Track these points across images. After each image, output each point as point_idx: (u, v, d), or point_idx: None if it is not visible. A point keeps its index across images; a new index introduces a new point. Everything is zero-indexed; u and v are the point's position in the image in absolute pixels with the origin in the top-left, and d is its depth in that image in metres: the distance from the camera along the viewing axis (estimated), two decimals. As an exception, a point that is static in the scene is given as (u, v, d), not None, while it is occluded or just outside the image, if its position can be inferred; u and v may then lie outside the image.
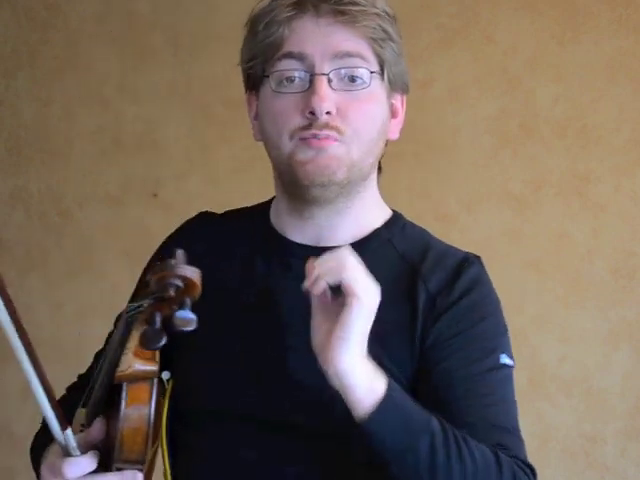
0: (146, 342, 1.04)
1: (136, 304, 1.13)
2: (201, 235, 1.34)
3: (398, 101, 1.31)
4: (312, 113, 1.18)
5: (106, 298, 2.76)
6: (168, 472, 1.23)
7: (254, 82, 1.27)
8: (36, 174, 2.98)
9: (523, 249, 2.66)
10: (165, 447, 1.21)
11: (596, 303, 2.61)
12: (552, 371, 2.61)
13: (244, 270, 1.28)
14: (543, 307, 2.65)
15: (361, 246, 1.21)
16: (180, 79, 2.84)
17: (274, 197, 1.34)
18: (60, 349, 2.74)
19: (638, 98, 2.60)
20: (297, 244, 1.26)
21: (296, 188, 1.23)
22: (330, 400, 1.12)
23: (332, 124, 1.19)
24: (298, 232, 1.27)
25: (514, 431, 1.20)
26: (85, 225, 2.85)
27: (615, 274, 2.61)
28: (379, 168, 1.33)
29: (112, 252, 2.80)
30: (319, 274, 1.08)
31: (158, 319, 1.04)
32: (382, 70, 1.25)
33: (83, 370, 1.43)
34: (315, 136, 1.19)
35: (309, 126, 1.19)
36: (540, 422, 2.62)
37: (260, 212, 1.34)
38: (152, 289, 1.06)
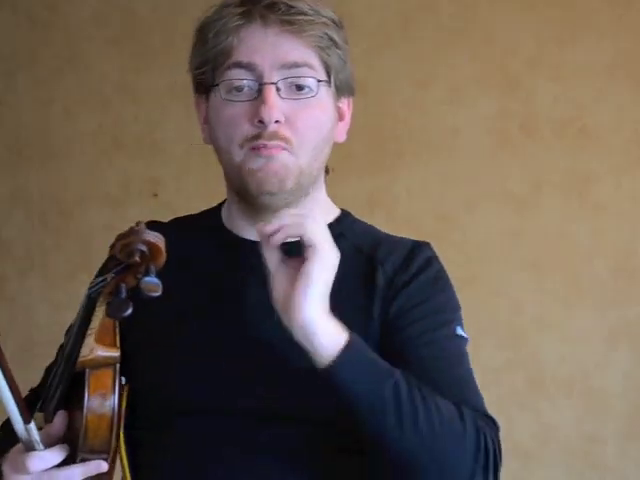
0: (112, 311, 1.05)
1: (99, 279, 1.14)
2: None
3: (345, 104, 1.33)
4: (261, 122, 1.21)
5: (106, 298, 2.75)
6: (128, 476, 1.23)
7: (204, 88, 1.29)
8: (36, 174, 2.99)
9: (523, 249, 2.66)
10: (124, 453, 1.21)
11: (596, 303, 2.61)
12: (552, 371, 2.61)
13: (201, 270, 1.30)
14: (543, 307, 2.65)
15: None
16: (180, 79, 2.84)
17: (223, 202, 1.36)
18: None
19: (638, 98, 2.60)
20: (252, 241, 1.27)
21: (246, 195, 1.25)
22: (301, 387, 1.16)
23: (281, 134, 1.21)
24: (252, 231, 1.28)
25: (474, 388, 1.25)
26: (85, 225, 2.85)
27: (615, 274, 2.61)
28: (326, 170, 1.36)
29: (112, 252, 2.80)
30: (281, 226, 1.12)
31: (124, 289, 1.06)
32: (329, 77, 1.27)
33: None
34: (264, 145, 1.21)
35: (258, 136, 1.21)
36: (540, 422, 2.63)
37: (211, 215, 1.37)
38: (117, 259, 1.07)
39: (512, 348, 2.60)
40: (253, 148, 1.22)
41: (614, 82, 2.60)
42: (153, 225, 1.37)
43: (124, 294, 1.06)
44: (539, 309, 2.65)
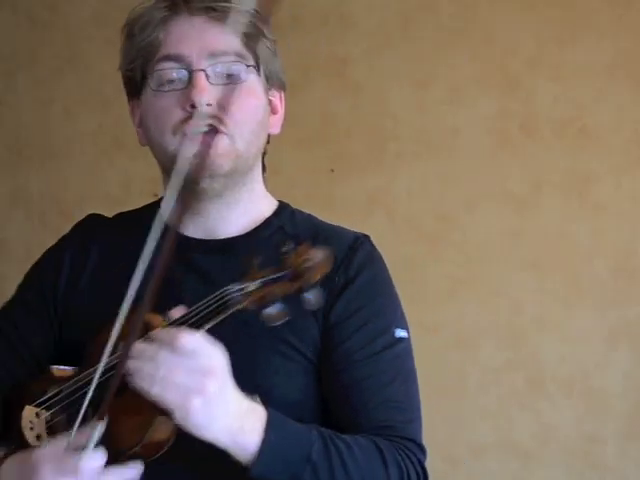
0: (270, 320, 1.07)
1: (240, 286, 1.10)
2: (93, 235, 1.37)
3: (277, 98, 1.34)
4: (193, 106, 1.21)
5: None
6: None
7: (135, 86, 1.30)
8: (36, 174, 2.99)
9: (523, 249, 2.66)
10: None
11: (596, 303, 2.61)
12: (552, 371, 2.61)
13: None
14: (543, 307, 2.65)
15: (254, 235, 1.29)
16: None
17: (162, 197, 1.36)
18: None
19: (638, 98, 2.60)
20: (192, 239, 1.29)
21: (184, 183, 1.24)
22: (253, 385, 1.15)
23: (213, 114, 1.22)
24: (192, 227, 1.30)
25: (409, 407, 1.25)
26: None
27: (615, 274, 2.61)
28: (263, 166, 1.36)
29: (112, 252, 2.80)
30: (135, 369, 1.09)
31: (276, 298, 1.07)
32: (258, 66, 1.28)
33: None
34: (198, 128, 1.22)
35: (190, 117, 1.22)
36: (540, 422, 2.63)
37: (151, 211, 1.33)
38: (286, 267, 1.08)
39: (512, 348, 2.60)
40: (186, 134, 1.22)
41: (614, 82, 2.60)
42: (97, 218, 1.39)
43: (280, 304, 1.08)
44: (539, 309, 2.65)
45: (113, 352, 1.13)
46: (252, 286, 1.09)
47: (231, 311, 1.10)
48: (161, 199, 1.37)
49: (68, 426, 1.15)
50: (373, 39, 2.75)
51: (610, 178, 2.61)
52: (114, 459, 1.11)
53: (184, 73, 1.23)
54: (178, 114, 1.23)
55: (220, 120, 1.22)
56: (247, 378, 1.14)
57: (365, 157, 2.74)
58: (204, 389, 1.06)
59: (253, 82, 1.27)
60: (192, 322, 1.11)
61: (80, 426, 1.13)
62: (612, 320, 2.61)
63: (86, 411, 1.14)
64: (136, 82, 1.29)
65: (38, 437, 1.18)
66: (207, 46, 1.24)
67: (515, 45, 2.66)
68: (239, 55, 1.25)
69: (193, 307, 1.12)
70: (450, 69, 2.70)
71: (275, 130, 1.34)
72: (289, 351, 1.22)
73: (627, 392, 2.57)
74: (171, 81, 1.24)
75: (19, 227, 3.02)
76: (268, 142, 1.34)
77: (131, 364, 1.08)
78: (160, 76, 1.25)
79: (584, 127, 2.62)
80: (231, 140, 1.23)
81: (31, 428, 1.18)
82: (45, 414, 1.19)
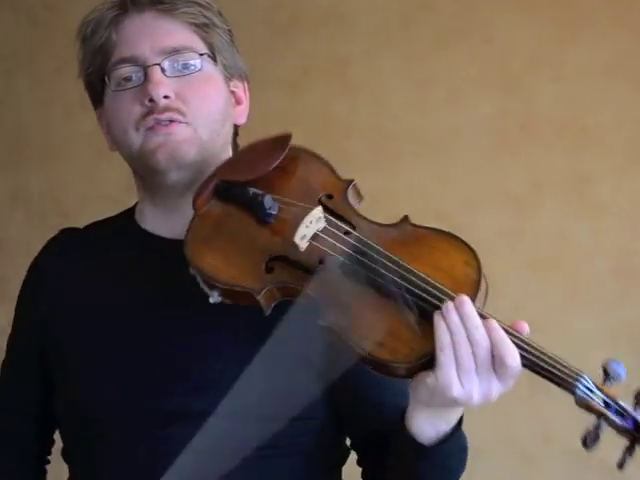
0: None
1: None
2: (70, 248, 1.38)
3: (240, 89, 1.33)
4: (151, 100, 1.22)
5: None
6: None
7: (96, 91, 1.31)
8: (36, 174, 2.99)
9: (523, 249, 2.66)
10: None
11: (596, 303, 2.61)
12: (552, 371, 2.61)
13: (120, 274, 1.30)
14: (543, 307, 2.65)
15: None
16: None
17: (136, 204, 1.38)
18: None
19: (638, 98, 2.60)
20: (168, 239, 1.28)
21: (154, 177, 1.26)
22: (214, 383, 1.17)
23: (173, 106, 1.22)
24: (167, 228, 1.29)
25: None
26: (84, 225, 2.84)
27: (615, 274, 2.61)
28: (237, 148, 1.35)
29: (112, 252, 2.81)
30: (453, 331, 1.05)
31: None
32: (213, 55, 1.28)
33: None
34: (159, 121, 1.22)
35: (150, 112, 1.22)
36: (540, 422, 2.62)
37: (125, 218, 1.38)
38: None
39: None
40: (149, 128, 1.22)
41: (614, 82, 2.60)
42: (69, 232, 1.40)
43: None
44: (539, 309, 2.65)
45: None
46: None
47: None
48: (136, 204, 1.38)
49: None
50: (373, 39, 2.75)
51: (610, 178, 2.61)
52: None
53: (140, 70, 1.24)
54: (137, 110, 1.23)
55: (179, 111, 1.22)
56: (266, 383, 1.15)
57: (365, 157, 2.74)
58: (490, 400, 1.06)
59: (210, 71, 1.27)
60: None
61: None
62: (612, 320, 2.61)
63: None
64: (96, 86, 1.30)
65: (302, 237, 1.12)
66: (159, 42, 1.24)
67: (515, 45, 2.66)
68: (191, 47, 1.25)
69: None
70: (450, 69, 2.70)
71: (241, 120, 1.33)
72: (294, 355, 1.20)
73: (627, 392, 2.57)
74: (128, 79, 1.24)
75: (19, 227, 3.02)
76: (237, 134, 1.34)
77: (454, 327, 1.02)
78: (118, 77, 1.25)
79: (584, 127, 2.62)
80: (193, 129, 1.23)
81: (306, 226, 1.13)
82: (323, 226, 1.14)
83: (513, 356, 1.03)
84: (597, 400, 1.06)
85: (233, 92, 1.31)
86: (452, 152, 2.70)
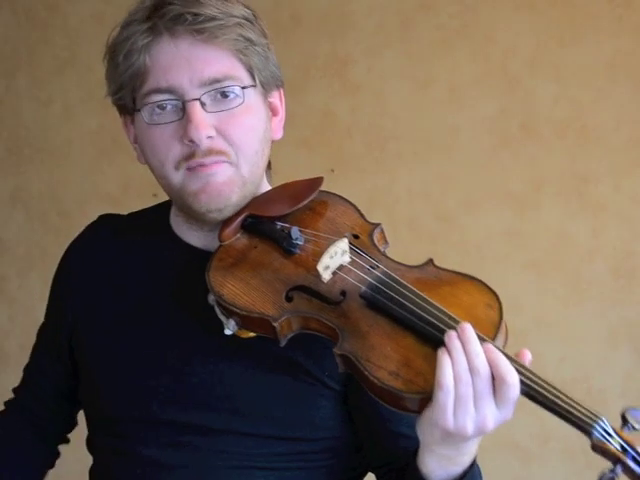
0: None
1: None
2: (102, 241, 1.37)
3: (276, 98, 1.29)
4: (192, 141, 1.17)
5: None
6: None
7: (126, 109, 1.26)
8: (36, 174, 2.99)
9: (523, 249, 2.66)
10: None
11: (596, 303, 2.61)
12: (552, 371, 2.61)
13: (148, 275, 1.30)
14: (543, 307, 2.65)
15: None
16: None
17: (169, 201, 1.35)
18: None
19: (638, 98, 2.59)
20: (199, 250, 1.28)
21: (192, 214, 1.23)
22: (254, 402, 1.18)
23: (216, 148, 1.18)
24: (201, 241, 1.28)
25: None
26: (85, 225, 2.85)
27: (615, 274, 2.61)
28: (269, 165, 1.33)
29: (112, 252, 2.81)
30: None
31: None
32: (253, 78, 1.22)
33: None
34: (202, 164, 1.18)
35: (192, 155, 1.17)
36: (540, 422, 2.62)
37: (161, 218, 1.35)
38: None
39: (512, 348, 2.59)
40: (190, 169, 1.18)
41: (614, 82, 2.60)
42: (107, 220, 1.40)
43: None
44: (539, 309, 2.65)
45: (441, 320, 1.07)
46: None
47: None
48: (167, 210, 1.36)
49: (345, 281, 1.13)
50: (373, 39, 2.75)
51: (610, 178, 2.61)
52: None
53: (177, 102, 1.18)
54: (178, 149, 1.18)
55: (223, 151, 1.18)
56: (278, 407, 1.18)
57: (365, 157, 2.74)
58: (486, 431, 1.04)
59: (250, 99, 1.21)
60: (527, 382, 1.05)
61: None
62: (612, 320, 2.61)
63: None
64: (127, 107, 1.25)
65: (326, 268, 1.13)
66: (197, 73, 1.17)
67: (515, 45, 2.66)
68: (232, 76, 1.19)
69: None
70: (450, 69, 2.70)
71: (277, 135, 1.30)
72: (308, 379, 1.21)
73: (627, 392, 2.57)
74: (163, 108, 1.19)
75: (19, 227, 3.02)
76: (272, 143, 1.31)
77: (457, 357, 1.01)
78: (152, 108, 1.19)
79: (584, 127, 2.62)
80: (236, 168, 1.20)
81: (331, 257, 1.14)
82: (349, 259, 1.15)
83: (512, 374, 1.02)
84: (614, 444, 1.02)
85: (270, 104, 1.27)
86: (452, 152, 2.70)
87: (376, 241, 1.21)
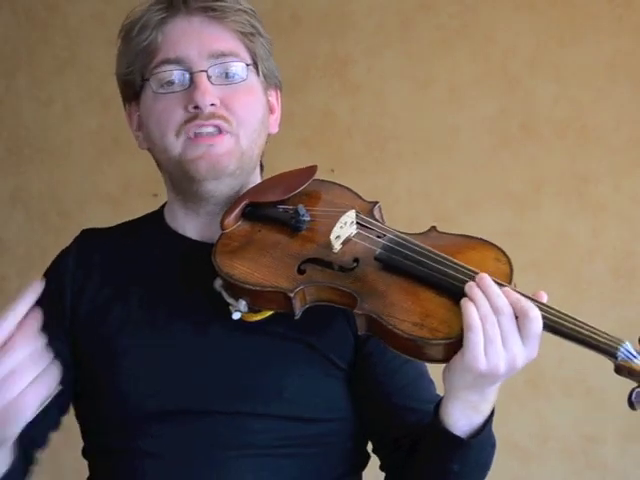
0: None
1: None
2: (96, 246, 1.36)
3: (273, 97, 1.34)
4: (196, 107, 1.21)
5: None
6: None
7: (133, 90, 1.29)
8: (36, 174, 2.99)
9: (523, 249, 2.66)
10: None
11: (596, 303, 2.61)
12: (552, 371, 2.61)
13: (147, 271, 1.30)
14: (543, 307, 2.64)
15: None
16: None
17: (164, 204, 1.37)
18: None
19: (638, 98, 2.60)
20: (198, 242, 1.29)
21: (190, 185, 1.26)
22: (247, 383, 1.20)
23: (218, 113, 1.22)
24: (197, 230, 1.30)
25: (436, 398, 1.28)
26: (85, 225, 2.84)
27: (615, 274, 2.61)
28: (261, 167, 1.36)
29: (112, 252, 2.81)
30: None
31: None
32: (256, 64, 1.28)
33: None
34: (201, 131, 1.22)
35: (194, 118, 1.22)
36: (540, 422, 2.63)
37: (153, 218, 1.37)
38: None
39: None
40: (190, 138, 1.22)
41: (614, 82, 2.60)
42: (91, 232, 1.39)
43: None
44: (539, 309, 2.64)
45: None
46: None
47: None
48: (164, 206, 1.37)
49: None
50: (373, 39, 2.75)
51: (610, 178, 2.61)
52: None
53: (185, 75, 1.23)
54: (180, 115, 1.23)
55: (224, 117, 1.23)
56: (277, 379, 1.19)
57: (365, 157, 2.74)
58: (516, 368, 1.10)
59: (253, 81, 1.27)
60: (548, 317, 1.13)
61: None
62: (612, 320, 2.60)
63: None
64: (134, 85, 1.28)
65: (337, 237, 1.17)
66: (206, 46, 1.23)
67: (515, 45, 2.66)
68: (238, 55, 1.26)
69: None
70: (450, 69, 2.70)
71: (273, 130, 1.34)
72: (319, 359, 1.22)
73: (627, 392, 2.57)
74: (171, 83, 1.24)
75: (19, 227, 3.02)
76: (266, 142, 1.34)
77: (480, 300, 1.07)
78: (161, 79, 1.24)
79: (584, 127, 2.62)
80: (236, 139, 1.24)
81: (341, 227, 1.17)
82: (356, 231, 1.19)
83: (533, 308, 1.10)
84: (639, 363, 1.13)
85: (268, 100, 1.32)
86: (452, 152, 2.70)
87: (377, 217, 1.24)
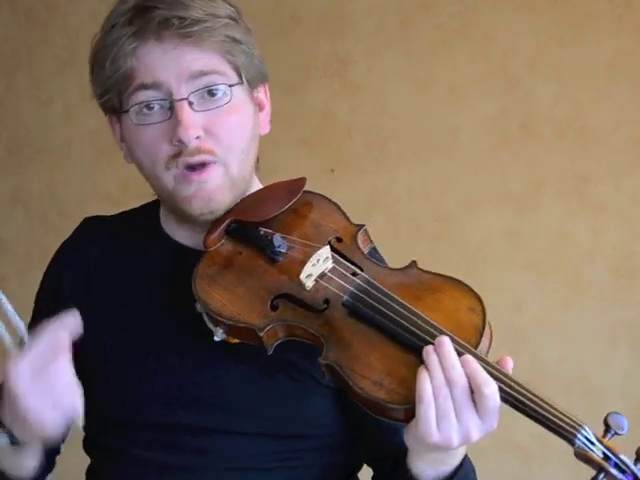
0: None
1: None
2: (95, 240, 1.35)
3: (261, 92, 1.29)
4: (180, 141, 1.17)
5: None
6: None
7: (113, 111, 1.25)
8: (36, 174, 2.99)
9: (523, 249, 2.66)
10: None
11: (596, 303, 2.61)
12: (552, 371, 2.61)
13: (140, 276, 1.29)
14: (543, 307, 2.65)
15: None
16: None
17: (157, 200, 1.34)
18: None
19: (638, 98, 2.59)
20: (190, 249, 1.27)
21: (184, 216, 1.23)
22: (250, 403, 1.19)
23: (204, 147, 1.18)
24: (192, 240, 1.27)
25: None
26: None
27: (615, 274, 2.61)
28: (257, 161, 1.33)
29: (112, 252, 2.81)
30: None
31: None
32: (240, 77, 1.22)
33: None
34: (190, 165, 1.18)
35: (180, 153, 1.18)
36: (540, 422, 2.62)
37: (151, 216, 1.34)
38: None
39: (512, 348, 2.59)
40: (181, 175, 1.19)
41: (614, 82, 2.60)
42: (93, 221, 1.38)
43: None
44: (539, 309, 2.65)
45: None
46: None
47: None
48: (155, 202, 1.35)
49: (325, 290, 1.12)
50: (373, 39, 2.75)
51: (610, 178, 2.61)
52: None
53: (164, 102, 1.18)
54: (166, 149, 1.19)
55: (210, 150, 1.19)
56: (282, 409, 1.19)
57: (365, 157, 2.74)
58: (471, 441, 1.04)
59: (238, 97, 1.21)
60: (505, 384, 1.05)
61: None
62: (612, 320, 2.61)
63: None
64: (114, 109, 1.25)
65: (308, 276, 1.13)
66: (184, 69, 1.17)
67: (515, 45, 2.66)
68: (219, 73, 1.19)
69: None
70: (450, 69, 2.70)
71: (264, 130, 1.30)
72: (302, 377, 1.21)
73: (627, 392, 2.57)
74: (151, 107, 1.19)
75: (19, 227, 3.02)
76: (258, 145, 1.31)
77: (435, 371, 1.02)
78: (140, 108, 1.19)
79: (584, 127, 2.62)
80: (225, 169, 1.20)
81: (313, 265, 1.14)
82: (331, 266, 1.14)
83: (488, 384, 1.02)
84: (597, 452, 1.01)
85: (256, 98, 1.27)
86: (452, 152, 2.70)
87: (360, 243, 1.20)
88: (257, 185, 1.32)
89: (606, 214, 2.61)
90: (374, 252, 1.25)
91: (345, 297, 1.11)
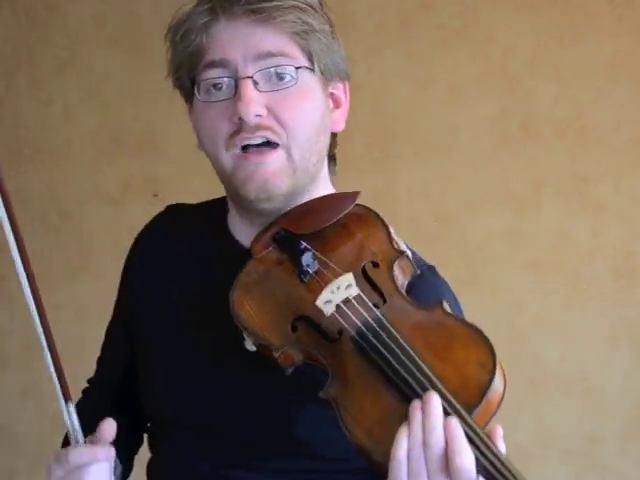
0: None
1: None
2: (168, 233, 1.35)
3: (340, 90, 1.25)
4: (240, 119, 1.14)
5: (105, 298, 2.75)
6: None
7: (186, 93, 1.24)
8: (36, 174, 2.98)
9: (523, 249, 2.66)
10: None
11: (596, 303, 2.61)
12: (552, 371, 2.61)
13: (202, 277, 1.28)
14: (543, 307, 2.65)
15: None
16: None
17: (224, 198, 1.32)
18: (59, 350, 2.74)
19: (638, 98, 2.60)
20: (247, 250, 1.23)
21: (242, 202, 1.20)
22: (281, 420, 1.15)
23: (264, 124, 1.14)
24: (249, 238, 1.23)
25: None
26: (85, 225, 2.85)
27: (615, 274, 2.61)
28: (334, 159, 1.31)
29: (112, 252, 2.79)
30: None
31: None
32: (312, 63, 1.19)
33: (84, 372, 1.43)
34: (248, 144, 1.15)
35: (239, 130, 1.15)
36: (540, 422, 2.63)
37: (219, 211, 1.32)
38: None
39: (512, 348, 2.60)
40: (240, 156, 1.16)
41: (614, 82, 2.60)
42: (174, 212, 1.37)
43: None
44: (539, 309, 2.65)
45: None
46: None
47: None
48: (223, 198, 1.32)
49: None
50: (373, 39, 2.75)
51: (610, 178, 2.61)
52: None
53: (231, 81, 1.15)
54: (226, 127, 1.16)
55: (273, 131, 1.15)
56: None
57: (365, 157, 2.74)
58: None
59: (307, 82, 1.18)
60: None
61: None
62: (612, 320, 2.61)
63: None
64: (186, 89, 1.23)
65: (327, 302, 1.08)
66: (252, 49, 1.15)
67: (515, 45, 2.66)
68: (288, 55, 1.16)
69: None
70: (450, 69, 2.70)
71: (339, 127, 1.26)
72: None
73: (627, 392, 2.57)
74: (219, 87, 1.17)
75: (19, 227, 3.01)
76: (336, 144, 1.29)
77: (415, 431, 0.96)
78: (207, 85, 1.18)
79: (584, 127, 2.62)
80: (287, 153, 1.16)
81: (332, 292, 1.09)
82: (355, 293, 1.09)
83: (462, 455, 0.95)
84: None
85: (332, 94, 1.24)
86: (452, 152, 2.70)
87: (396, 271, 1.13)
88: (327, 188, 1.28)
89: (606, 214, 2.61)
90: (422, 277, 1.18)
91: (352, 332, 1.06)
